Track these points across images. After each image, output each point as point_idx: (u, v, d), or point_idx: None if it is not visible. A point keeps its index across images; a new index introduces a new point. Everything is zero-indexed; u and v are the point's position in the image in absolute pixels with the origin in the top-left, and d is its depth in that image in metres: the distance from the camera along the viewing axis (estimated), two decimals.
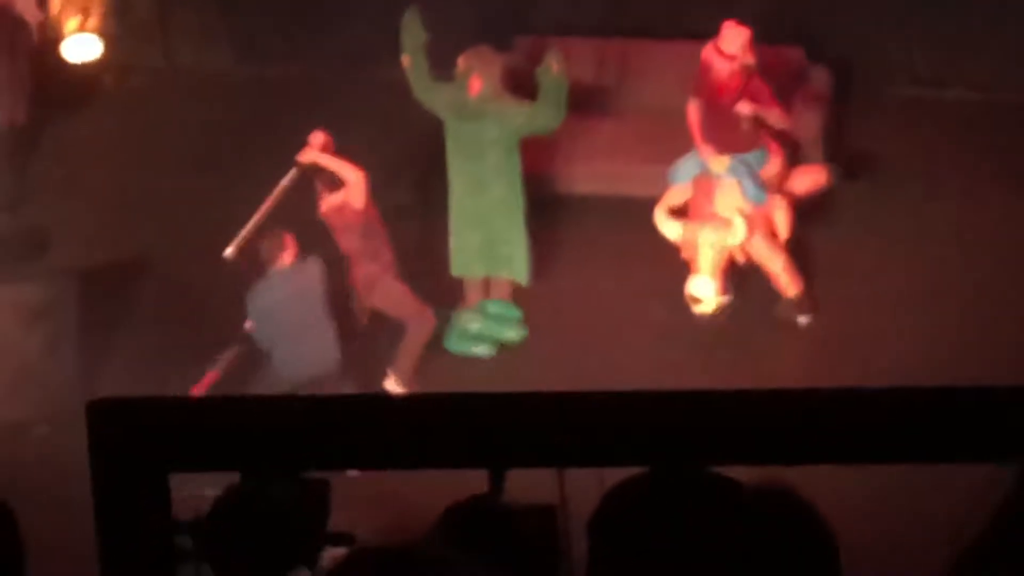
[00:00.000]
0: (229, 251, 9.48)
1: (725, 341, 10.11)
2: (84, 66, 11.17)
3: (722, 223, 9.73)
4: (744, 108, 9.76)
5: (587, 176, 10.95)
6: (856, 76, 11.83)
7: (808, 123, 10.85)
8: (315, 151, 9.67)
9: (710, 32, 10.28)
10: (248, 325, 9.59)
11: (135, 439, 1.97)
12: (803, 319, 10.15)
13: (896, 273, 10.38)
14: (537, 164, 10.41)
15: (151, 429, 1.97)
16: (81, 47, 10.84)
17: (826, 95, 11.24)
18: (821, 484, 2.57)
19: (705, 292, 9.75)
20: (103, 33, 11.00)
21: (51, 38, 10.90)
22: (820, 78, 11.33)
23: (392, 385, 9.86)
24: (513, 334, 10.31)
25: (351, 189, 9.64)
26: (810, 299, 10.13)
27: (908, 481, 7.71)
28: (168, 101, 12.22)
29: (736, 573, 2.39)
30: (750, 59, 9.79)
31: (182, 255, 10.75)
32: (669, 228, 9.79)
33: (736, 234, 9.72)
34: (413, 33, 9.98)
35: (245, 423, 2.00)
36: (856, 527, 3.86)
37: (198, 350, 9.97)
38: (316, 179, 9.76)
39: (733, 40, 9.78)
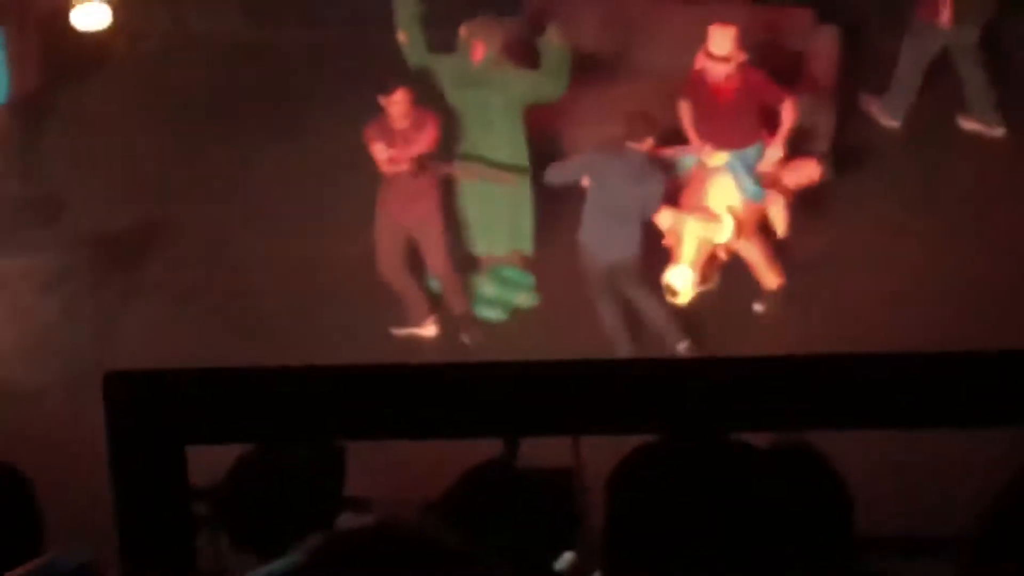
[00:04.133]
0: None
1: (728, 308, 10.11)
2: (94, 34, 11.14)
3: (710, 217, 9.66)
4: (774, 153, 9.82)
5: (595, 140, 10.87)
6: (867, 36, 11.76)
7: (818, 82, 10.81)
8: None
9: None
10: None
11: (152, 412, 1.97)
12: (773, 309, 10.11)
13: (905, 237, 10.37)
14: (544, 128, 10.37)
15: (169, 401, 1.98)
16: (90, 15, 10.79)
17: (835, 55, 11.16)
18: (838, 442, 2.56)
19: (682, 283, 9.57)
20: (111, 1, 10.97)
21: (61, 7, 10.87)
22: (829, 38, 11.23)
23: (466, 340, 10.04)
24: (526, 299, 10.33)
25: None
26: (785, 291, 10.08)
27: (929, 441, 7.70)
28: (178, 67, 12.20)
29: (752, 529, 2.41)
30: (741, 55, 9.74)
31: (195, 220, 10.76)
32: (659, 216, 9.70)
33: (723, 232, 9.66)
34: (407, 4, 9.90)
35: (264, 394, 2.00)
36: (874, 483, 3.86)
37: (212, 316, 9.99)
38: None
39: (722, 41, 9.72)
